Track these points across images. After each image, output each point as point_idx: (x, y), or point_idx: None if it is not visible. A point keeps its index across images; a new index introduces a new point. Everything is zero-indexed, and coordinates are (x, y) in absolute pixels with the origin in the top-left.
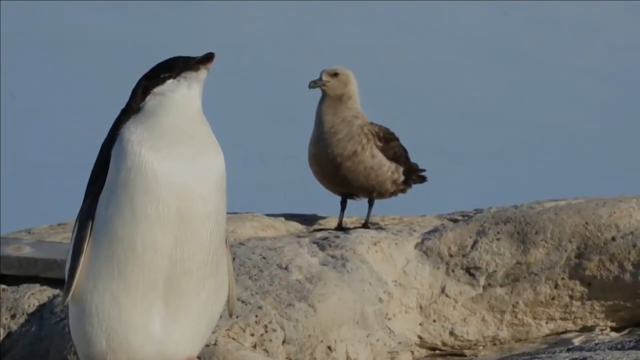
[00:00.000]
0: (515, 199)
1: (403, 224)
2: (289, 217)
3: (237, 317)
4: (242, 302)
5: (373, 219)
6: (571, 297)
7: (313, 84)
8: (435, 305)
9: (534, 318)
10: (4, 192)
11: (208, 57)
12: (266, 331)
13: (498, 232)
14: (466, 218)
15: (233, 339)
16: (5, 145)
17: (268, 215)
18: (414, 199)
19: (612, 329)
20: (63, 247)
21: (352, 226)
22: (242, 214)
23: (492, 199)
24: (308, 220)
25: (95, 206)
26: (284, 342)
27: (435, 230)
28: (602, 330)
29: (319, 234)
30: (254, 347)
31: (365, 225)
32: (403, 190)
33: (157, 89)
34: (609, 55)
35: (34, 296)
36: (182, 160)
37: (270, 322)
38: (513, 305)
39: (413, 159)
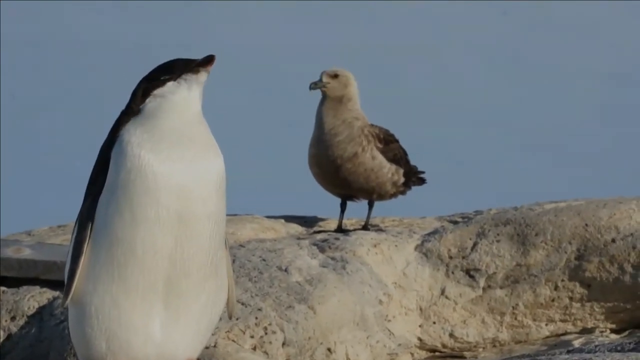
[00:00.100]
0: (515, 200)
1: (403, 226)
2: (289, 219)
3: (237, 319)
4: (242, 304)
5: (373, 221)
6: (571, 298)
7: (314, 86)
8: (435, 307)
9: (534, 320)
10: (3, 194)
11: (208, 60)
12: (266, 333)
13: (498, 234)
14: (466, 220)
15: (233, 341)
16: (5, 145)
17: (268, 217)
18: (414, 201)
19: (612, 331)
20: (63, 249)
21: (352, 228)
22: (242, 215)
23: (492, 201)
24: (308, 222)
25: (94, 208)
26: (283, 344)
27: (435, 232)
28: (602, 332)
29: (319, 236)
30: (254, 349)
31: (365, 227)
32: (403, 192)
33: (157, 91)
34: (609, 55)
35: (34, 298)
36: (181, 162)
37: (270, 324)
38: (513, 307)
39: (413, 161)
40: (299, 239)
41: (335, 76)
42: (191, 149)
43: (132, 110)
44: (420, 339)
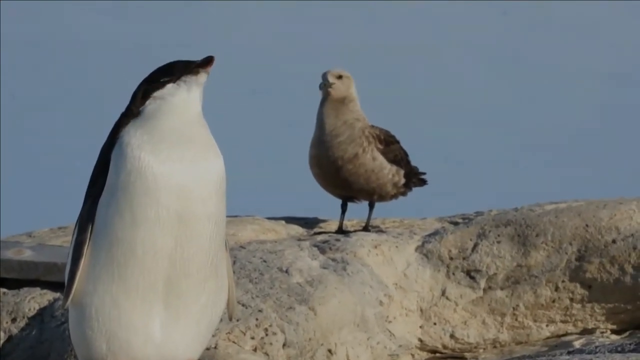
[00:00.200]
0: (516, 200)
1: (404, 227)
2: (290, 220)
3: (237, 320)
4: (243, 305)
5: (374, 222)
6: (571, 299)
7: (323, 86)
8: (435, 308)
9: (535, 321)
10: (4, 195)
11: (208, 61)
12: (266, 334)
13: (498, 235)
14: (467, 221)
15: (233, 342)
16: (5, 146)
17: (269, 218)
18: (415, 202)
19: (613, 332)
20: (63, 250)
21: (352, 229)
22: (242, 217)
23: (492, 201)
24: (309, 223)
25: (95, 209)
26: (284, 345)
27: (435, 233)
28: (602, 332)
29: (320, 237)
30: (255, 350)
31: (365, 228)
32: (404, 193)
33: (157, 93)
34: (609, 55)
35: (35, 300)
36: (181, 163)
37: (270, 326)
38: (513, 308)
39: (413, 162)
40: (299, 240)
41: (339, 77)
42: (191, 149)
43: (132, 112)
44: (420, 340)
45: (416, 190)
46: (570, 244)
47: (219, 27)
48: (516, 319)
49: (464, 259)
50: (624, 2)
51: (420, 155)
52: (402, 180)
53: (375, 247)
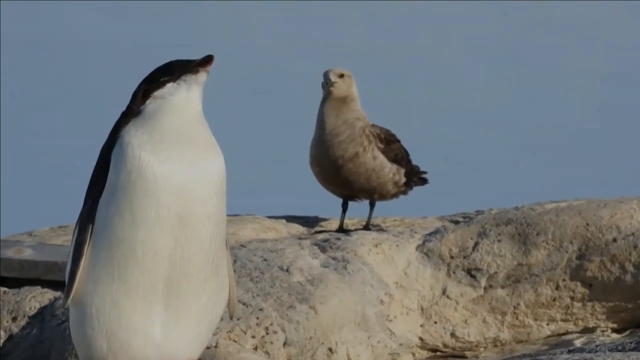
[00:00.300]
0: (516, 200)
1: (404, 226)
2: (290, 219)
3: (238, 319)
4: (243, 304)
5: (374, 221)
6: (572, 298)
7: (326, 85)
8: (436, 307)
9: (535, 319)
10: (4, 195)
11: (207, 60)
12: (267, 333)
13: (499, 234)
14: (467, 219)
15: (234, 341)
16: (6, 146)
17: (269, 217)
18: (415, 201)
19: (613, 330)
20: (64, 249)
21: (353, 228)
22: (243, 216)
23: (492, 201)
24: (309, 222)
25: (95, 209)
26: (285, 344)
27: (436, 231)
28: (603, 331)
29: (320, 236)
30: (255, 349)
31: (366, 227)
32: (404, 192)
33: (157, 93)
34: (609, 55)
35: (35, 299)
36: (182, 162)
37: (271, 324)
38: (514, 307)
39: (414, 161)
40: (300, 239)
41: (341, 76)
42: (191, 149)
43: (132, 111)
44: (421, 339)
45: (417, 189)
46: (571, 242)
47: (219, 27)
48: (517, 318)
49: (464, 257)
50: (624, 2)
51: (420, 154)
52: (403, 179)
53: (376, 245)
